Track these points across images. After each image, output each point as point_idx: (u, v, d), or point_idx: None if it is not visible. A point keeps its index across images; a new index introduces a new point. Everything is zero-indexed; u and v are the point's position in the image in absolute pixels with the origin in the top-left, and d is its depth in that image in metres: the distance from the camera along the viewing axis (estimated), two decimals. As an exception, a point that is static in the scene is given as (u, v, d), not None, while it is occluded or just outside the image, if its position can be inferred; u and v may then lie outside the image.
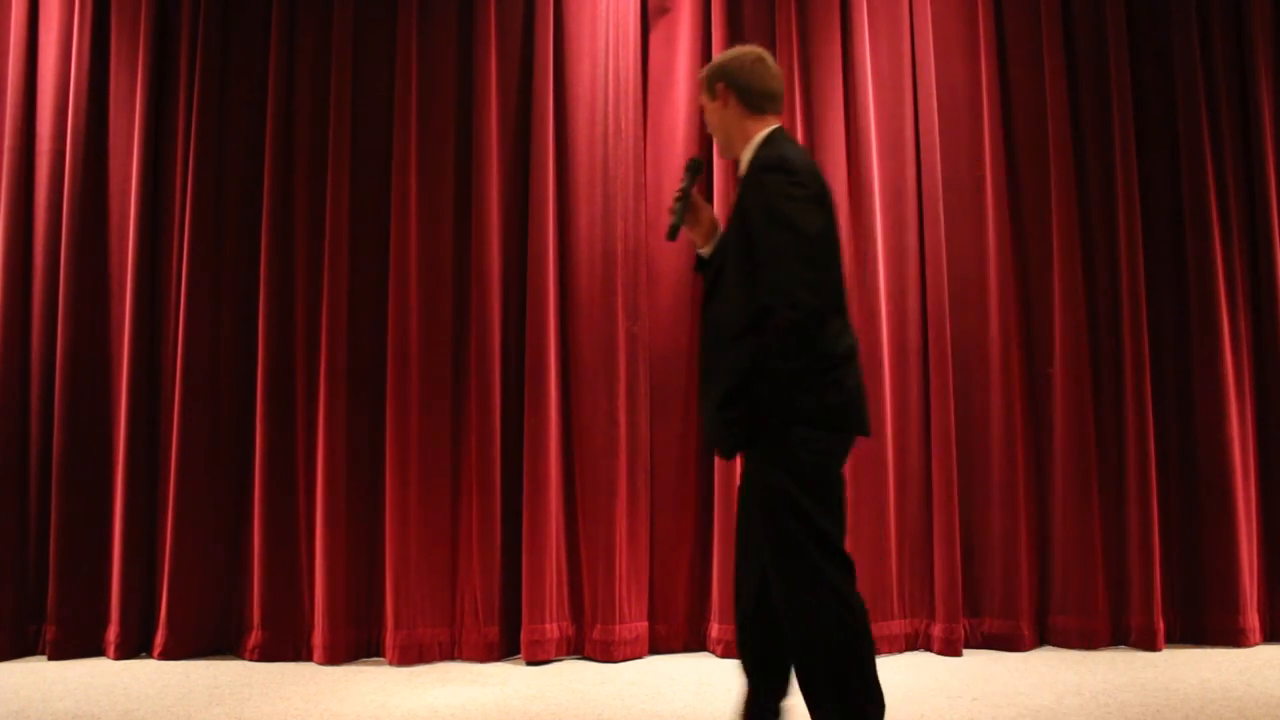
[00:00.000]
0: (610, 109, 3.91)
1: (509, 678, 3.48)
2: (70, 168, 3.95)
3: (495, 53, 3.95)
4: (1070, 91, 3.97)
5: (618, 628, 3.70)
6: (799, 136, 3.89)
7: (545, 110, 3.90)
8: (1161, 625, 3.71)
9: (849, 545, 3.80)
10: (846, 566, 2.19)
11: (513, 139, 3.97)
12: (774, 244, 2.07)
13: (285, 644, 3.76)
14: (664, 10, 4.03)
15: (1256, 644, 3.74)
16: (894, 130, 3.97)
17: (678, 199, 2.35)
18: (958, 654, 3.68)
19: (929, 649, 3.76)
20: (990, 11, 4.00)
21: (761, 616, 2.28)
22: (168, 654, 3.74)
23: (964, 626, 3.75)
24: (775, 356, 2.06)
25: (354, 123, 3.93)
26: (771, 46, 3.97)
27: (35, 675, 3.57)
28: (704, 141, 3.95)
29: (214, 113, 3.98)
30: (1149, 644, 3.69)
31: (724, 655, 3.66)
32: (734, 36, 3.99)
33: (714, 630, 3.72)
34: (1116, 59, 3.94)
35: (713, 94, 2.33)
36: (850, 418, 2.19)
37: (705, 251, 2.43)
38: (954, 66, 4.02)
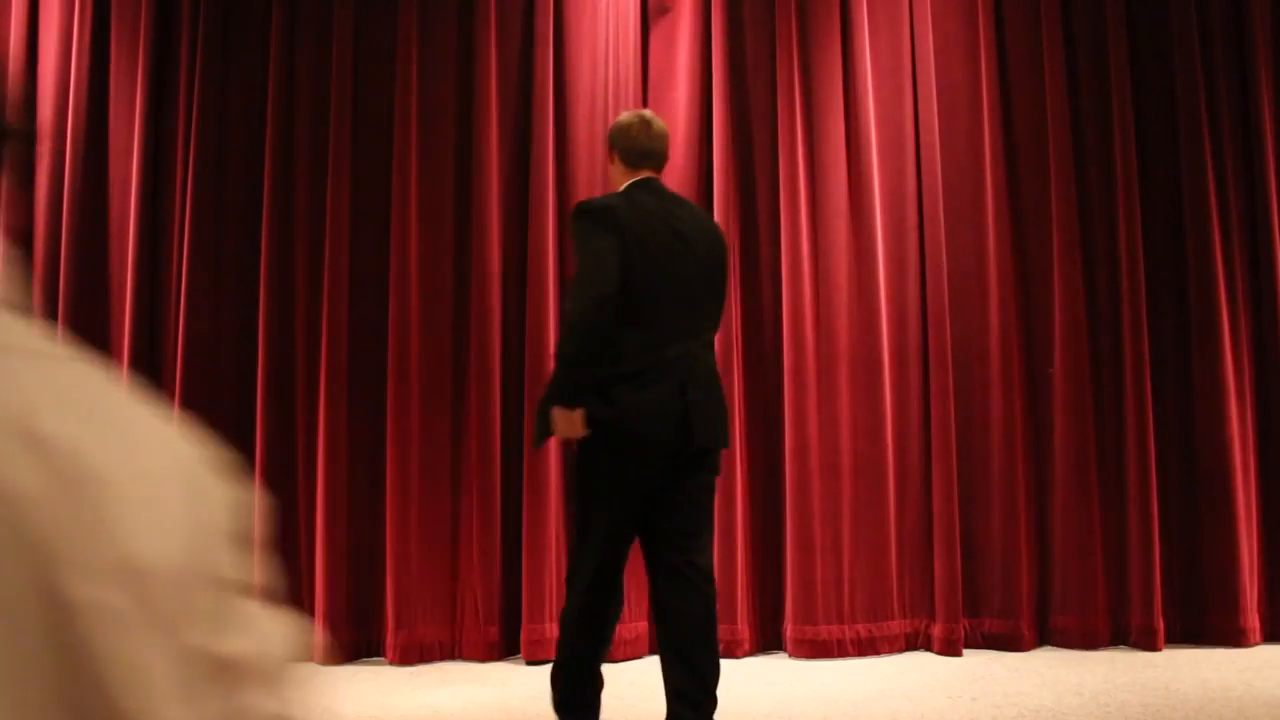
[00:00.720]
0: (610, 109, 3.91)
1: (509, 678, 3.48)
2: (70, 168, 3.94)
3: (495, 52, 3.95)
4: (1070, 91, 3.97)
5: (618, 628, 3.70)
6: (799, 136, 3.90)
7: (545, 110, 3.90)
8: (1161, 625, 3.71)
9: (846, 544, 3.82)
10: (604, 554, 2.50)
11: (513, 139, 3.97)
12: (576, 270, 2.55)
13: (285, 644, 3.76)
14: (664, 10, 4.03)
15: (1257, 644, 3.74)
16: (894, 130, 3.97)
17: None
18: (958, 654, 3.68)
19: (929, 649, 3.76)
20: (990, 11, 4.00)
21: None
22: (168, 654, 3.73)
23: (964, 626, 3.75)
24: (561, 350, 2.48)
25: (354, 123, 3.93)
26: (771, 46, 3.98)
27: (35, 675, 3.57)
28: (704, 141, 3.95)
29: (214, 112, 3.97)
30: (1149, 644, 3.69)
31: (723, 655, 3.64)
32: (734, 36, 3.99)
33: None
34: (1116, 59, 3.94)
35: (608, 153, 2.72)
36: (626, 428, 2.44)
37: None
38: (954, 66, 4.02)
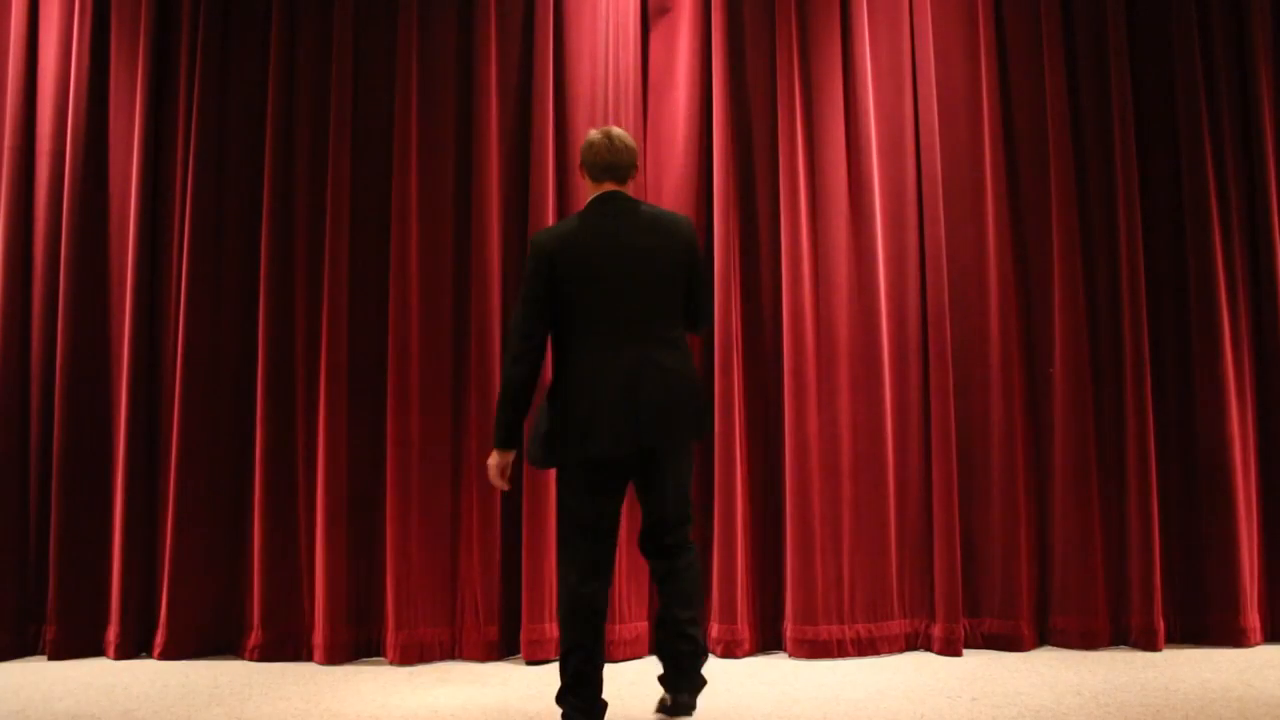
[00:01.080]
0: (610, 109, 3.91)
1: (509, 678, 3.48)
2: (70, 168, 3.95)
3: (495, 52, 3.95)
4: (1070, 91, 3.97)
5: (618, 627, 3.70)
6: (799, 136, 3.90)
7: (545, 110, 3.90)
8: (1162, 625, 3.71)
9: (846, 544, 3.82)
10: (582, 549, 2.76)
11: (513, 139, 3.97)
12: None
13: (285, 644, 3.76)
14: (664, 10, 4.03)
15: (1257, 644, 3.74)
16: (894, 130, 3.97)
17: None
18: (958, 654, 3.68)
19: (929, 649, 3.76)
20: (990, 11, 4.00)
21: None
22: (168, 654, 3.74)
23: (964, 626, 3.74)
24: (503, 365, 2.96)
25: (354, 123, 3.93)
26: (771, 46, 3.98)
27: (35, 675, 3.57)
28: (704, 141, 3.95)
29: (214, 113, 3.98)
30: (1149, 644, 3.69)
31: (723, 655, 3.65)
32: (734, 36, 3.99)
33: (714, 630, 3.71)
34: (1116, 59, 3.94)
35: (579, 169, 2.97)
36: (556, 446, 2.76)
37: None
38: (954, 66, 4.02)
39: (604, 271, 2.75)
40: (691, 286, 2.87)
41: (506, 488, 2.91)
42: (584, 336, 2.75)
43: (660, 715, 3.00)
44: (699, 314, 2.94)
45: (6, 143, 3.97)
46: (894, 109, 3.98)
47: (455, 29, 4.00)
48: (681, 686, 2.93)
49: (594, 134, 2.92)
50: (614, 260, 2.76)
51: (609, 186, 2.87)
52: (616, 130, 2.92)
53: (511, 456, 2.82)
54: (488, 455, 3.74)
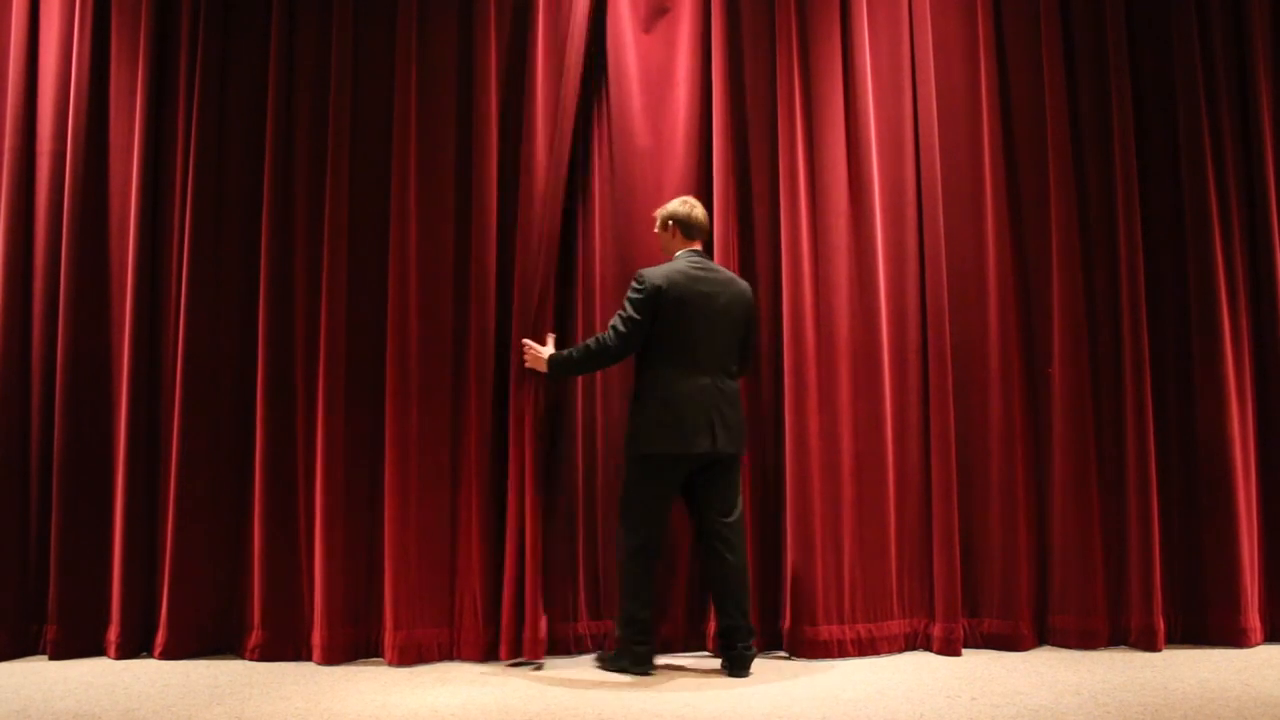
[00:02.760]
0: (611, 108, 3.90)
1: (509, 678, 3.48)
2: (70, 168, 3.95)
3: (495, 53, 3.95)
4: (1070, 92, 3.98)
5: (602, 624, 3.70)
6: (799, 137, 3.90)
7: (546, 109, 3.90)
8: (1161, 625, 3.71)
9: (846, 544, 3.82)
10: (639, 527, 3.44)
11: (513, 139, 3.97)
12: (623, 314, 3.49)
13: (285, 644, 3.76)
14: (664, 10, 4.03)
15: (1257, 644, 3.74)
16: (894, 130, 3.97)
17: None
18: (957, 654, 3.68)
19: (928, 649, 3.76)
20: (990, 12, 4.01)
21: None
22: (168, 654, 3.74)
23: (963, 626, 3.75)
24: (586, 352, 3.56)
25: (354, 123, 3.93)
26: (771, 46, 3.98)
27: (36, 675, 3.57)
28: (704, 141, 3.95)
29: (214, 113, 3.98)
30: (1149, 644, 3.69)
31: (724, 655, 3.65)
32: (733, 37, 3.99)
33: (713, 628, 3.71)
34: (1116, 59, 3.94)
35: (664, 227, 3.63)
36: (642, 440, 3.44)
37: None
38: (954, 66, 4.02)
39: (693, 312, 3.44)
40: (745, 336, 3.57)
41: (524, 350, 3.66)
42: (672, 360, 3.42)
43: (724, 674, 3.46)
44: (745, 361, 3.63)
45: (6, 143, 3.97)
46: (894, 109, 3.98)
47: (455, 28, 4.00)
48: (732, 662, 3.47)
49: (678, 204, 3.60)
50: (700, 305, 3.45)
51: (696, 244, 3.59)
52: (697, 202, 3.63)
53: (544, 371, 3.61)
54: (487, 454, 3.78)
